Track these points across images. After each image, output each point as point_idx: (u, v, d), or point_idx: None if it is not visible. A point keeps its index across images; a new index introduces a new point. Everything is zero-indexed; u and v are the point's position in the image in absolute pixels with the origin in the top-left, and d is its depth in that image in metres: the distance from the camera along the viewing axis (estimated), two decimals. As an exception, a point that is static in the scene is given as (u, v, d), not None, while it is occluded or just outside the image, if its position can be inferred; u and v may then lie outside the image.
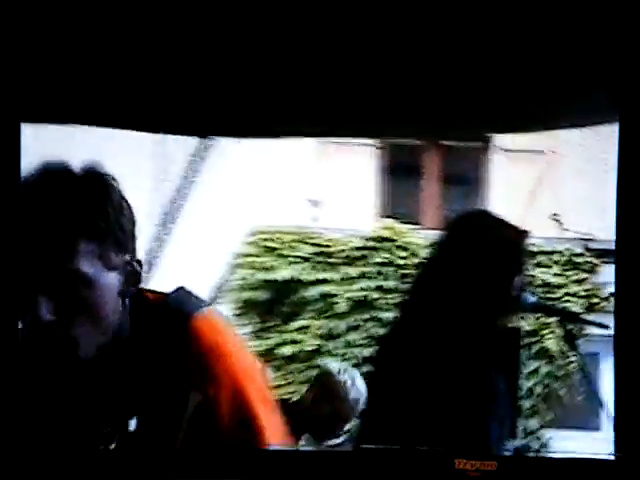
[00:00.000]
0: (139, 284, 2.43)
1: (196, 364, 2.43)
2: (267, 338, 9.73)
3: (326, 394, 5.97)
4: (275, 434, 2.52)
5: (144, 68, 3.42)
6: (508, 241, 4.29)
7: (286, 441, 2.71)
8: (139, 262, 2.43)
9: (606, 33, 2.85)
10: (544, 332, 9.10)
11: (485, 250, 4.20)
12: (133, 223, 2.44)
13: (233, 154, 9.96)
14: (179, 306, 2.52)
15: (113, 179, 2.41)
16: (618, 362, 2.28)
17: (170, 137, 4.78)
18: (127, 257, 2.38)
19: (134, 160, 11.53)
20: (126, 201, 2.43)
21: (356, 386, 5.94)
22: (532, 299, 4.72)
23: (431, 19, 3.19)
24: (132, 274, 2.40)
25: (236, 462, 2.23)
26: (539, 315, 7.15)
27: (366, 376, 5.64)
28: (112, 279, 2.36)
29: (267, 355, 9.60)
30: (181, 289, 2.64)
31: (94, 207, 2.34)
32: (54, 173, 2.32)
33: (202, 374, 2.44)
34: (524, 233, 4.38)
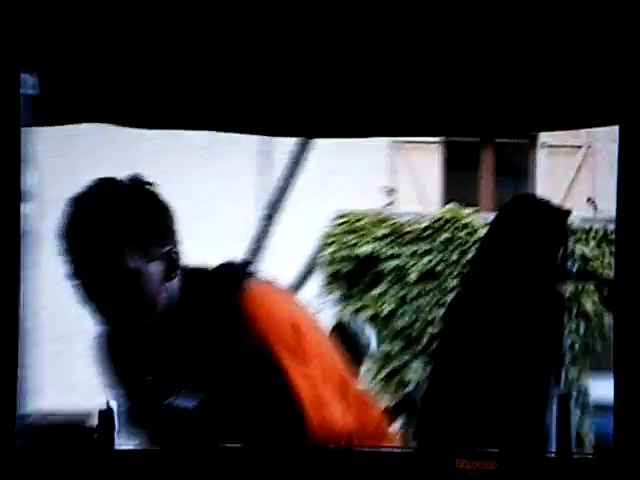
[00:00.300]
0: (177, 269, 2.42)
1: (235, 327, 2.39)
2: (350, 304, 9.68)
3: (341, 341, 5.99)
4: (304, 386, 2.41)
5: (251, 74, 3.33)
6: (554, 219, 4.32)
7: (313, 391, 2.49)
8: (176, 252, 2.43)
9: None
10: (582, 296, 8.96)
11: (535, 227, 4.25)
12: (171, 220, 2.44)
13: (324, 150, 10.00)
14: (221, 278, 2.52)
15: (150, 185, 2.42)
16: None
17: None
18: (166, 249, 2.39)
19: (242, 158, 11.64)
20: (163, 203, 2.44)
21: (366, 332, 5.96)
22: (572, 267, 4.75)
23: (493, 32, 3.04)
24: (171, 262, 2.41)
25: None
26: (579, 281, 7.14)
27: (434, 337, 5.58)
28: (153, 269, 2.37)
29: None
30: (227, 263, 2.62)
31: (137, 213, 2.35)
32: (104, 186, 2.36)
33: (241, 337, 2.38)
34: (567, 212, 4.40)
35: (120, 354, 2.52)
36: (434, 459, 1.92)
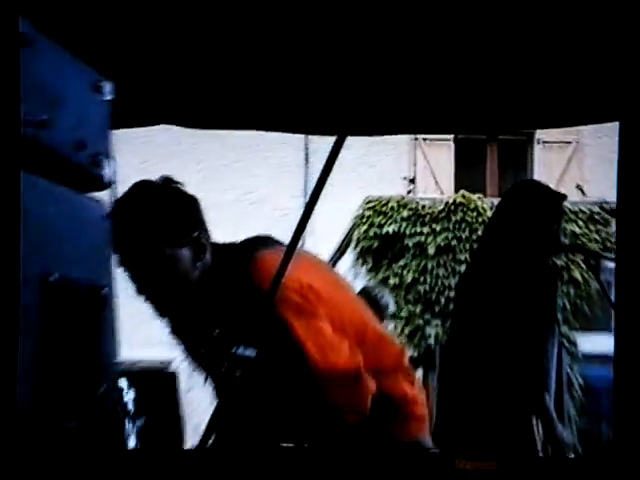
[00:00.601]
0: (205, 251, 2.44)
1: (252, 294, 2.36)
2: (379, 273, 9.68)
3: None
4: (308, 335, 2.37)
5: (298, 82, 3.28)
6: (551, 201, 4.29)
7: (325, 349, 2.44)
8: (203, 237, 2.46)
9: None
10: (572, 266, 8.95)
11: (535, 207, 4.23)
12: (197, 211, 2.48)
13: (356, 147, 10.04)
14: (239, 250, 2.52)
15: (178, 184, 2.46)
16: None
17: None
18: (194, 235, 2.41)
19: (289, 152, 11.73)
20: (190, 198, 2.47)
21: (385, 297, 6.00)
22: (565, 241, 4.71)
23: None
24: (199, 246, 2.43)
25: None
26: (569, 254, 7.11)
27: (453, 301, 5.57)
28: (184, 253, 2.40)
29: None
30: (249, 238, 2.63)
31: (167, 209, 2.40)
32: (140, 189, 2.41)
33: (258, 301, 2.34)
34: (563, 196, 4.38)
35: (176, 317, 2.56)
36: (434, 459, 1.72)
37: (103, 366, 1.63)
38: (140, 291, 2.38)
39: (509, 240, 4.21)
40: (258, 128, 3.74)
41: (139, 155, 10.68)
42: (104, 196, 1.72)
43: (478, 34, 2.82)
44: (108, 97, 1.69)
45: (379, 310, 5.84)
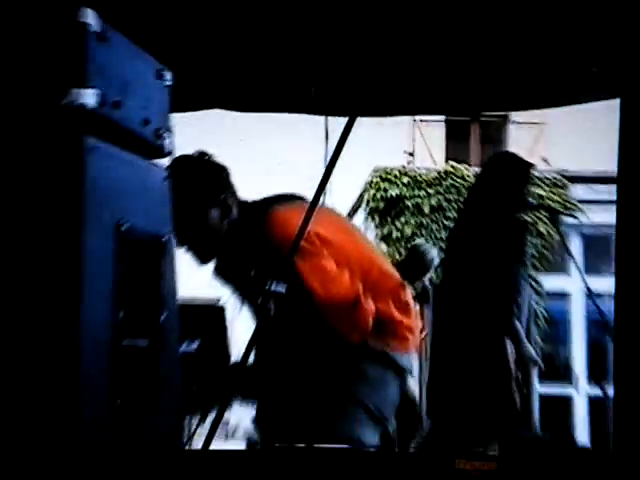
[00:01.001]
0: (231, 210, 2.43)
1: (267, 243, 2.33)
2: (384, 228, 9.60)
3: (414, 257, 5.83)
4: (311, 272, 2.31)
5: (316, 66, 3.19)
6: (521, 168, 4.25)
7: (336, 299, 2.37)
8: (229, 198, 2.43)
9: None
10: (538, 221, 8.88)
11: (510, 173, 4.17)
12: (224, 177, 2.46)
13: (367, 124, 10.01)
14: (261, 207, 2.47)
15: (209, 156, 2.44)
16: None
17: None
18: (222, 197, 2.40)
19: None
20: (218, 166, 2.46)
21: (431, 252, 5.76)
22: (532, 201, 4.66)
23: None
24: (225, 206, 2.42)
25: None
26: (536, 211, 7.04)
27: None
28: (214, 213, 2.40)
29: (385, 238, 9.51)
30: (278, 195, 2.57)
31: (200, 176, 2.40)
32: (178, 161, 2.30)
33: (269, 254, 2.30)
34: (531, 164, 4.33)
35: (216, 263, 2.55)
36: (434, 459, 1.46)
37: (164, 299, 1.63)
38: (180, 243, 2.36)
39: (488, 200, 4.18)
40: (285, 110, 3.72)
41: (193, 132, 10.62)
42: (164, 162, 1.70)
43: (468, 33, 2.74)
44: (168, 83, 1.68)
45: (426, 263, 5.60)
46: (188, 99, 3.08)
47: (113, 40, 1.47)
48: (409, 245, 6.02)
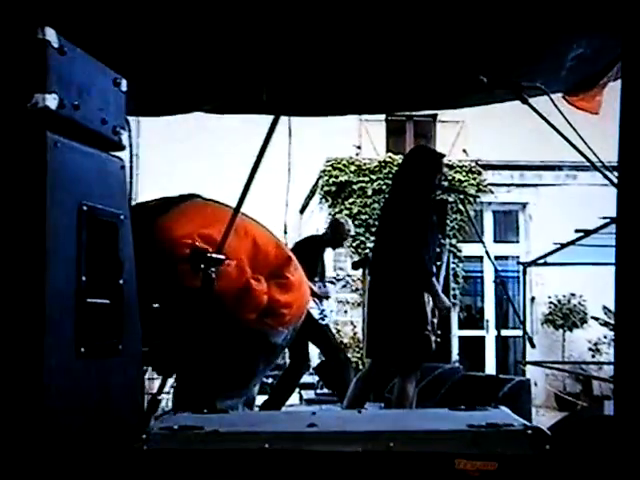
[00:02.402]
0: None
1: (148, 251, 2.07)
2: (336, 207, 9.46)
3: (335, 228, 5.75)
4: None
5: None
6: (434, 157, 4.23)
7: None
8: None
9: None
10: (458, 202, 8.89)
11: (424, 161, 4.15)
12: None
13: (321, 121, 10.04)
14: (146, 213, 2.23)
15: None
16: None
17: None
18: None
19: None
20: None
21: (348, 223, 5.76)
22: (444, 184, 4.66)
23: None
24: None
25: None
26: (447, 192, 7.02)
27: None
28: None
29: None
30: (168, 198, 2.36)
31: None
32: None
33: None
34: (442, 155, 4.32)
35: None
36: (434, 459, 1.20)
37: (123, 265, 1.60)
38: None
39: (407, 183, 4.18)
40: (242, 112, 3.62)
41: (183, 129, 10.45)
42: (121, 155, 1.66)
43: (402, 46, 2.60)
44: (124, 89, 1.64)
45: (345, 232, 5.67)
46: (175, 103, 2.97)
47: (71, 54, 1.46)
48: (334, 219, 5.99)
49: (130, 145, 1.63)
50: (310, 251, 5.46)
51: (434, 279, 4.25)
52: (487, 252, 4.24)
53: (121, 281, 1.56)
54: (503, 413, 1.33)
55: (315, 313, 5.37)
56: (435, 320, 4.21)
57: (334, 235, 5.62)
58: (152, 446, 1.14)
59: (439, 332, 4.28)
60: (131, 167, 1.64)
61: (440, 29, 2.44)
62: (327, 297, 5.56)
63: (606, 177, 1.92)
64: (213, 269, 1.90)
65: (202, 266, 1.86)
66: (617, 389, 1.19)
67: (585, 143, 2.05)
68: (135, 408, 1.52)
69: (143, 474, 1.11)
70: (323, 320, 5.48)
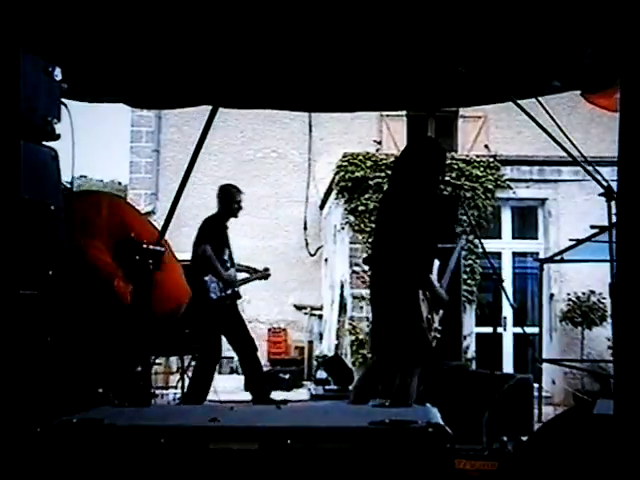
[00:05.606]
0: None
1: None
2: (352, 203, 9.35)
3: (225, 196, 5.68)
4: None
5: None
6: (441, 152, 4.21)
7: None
8: None
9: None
10: (475, 196, 8.71)
11: (430, 155, 4.12)
12: None
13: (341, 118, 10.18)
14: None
15: None
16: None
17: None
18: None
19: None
20: None
21: (238, 192, 5.68)
22: (443, 177, 4.55)
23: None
24: None
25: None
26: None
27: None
28: None
29: (352, 211, 9.33)
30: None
31: None
32: None
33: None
34: (445, 149, 4.30)
35: None
36: (434, 459, 1.17)
37: (55, 251, 1.58)
38: None
39: (406, 175, 4.14)
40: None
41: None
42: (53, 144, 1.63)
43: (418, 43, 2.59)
44: (58, 78, 1.60)
45: (234, 195, 5.59)
46: (183, 96, 2.96)
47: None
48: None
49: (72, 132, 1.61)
50: (210, 230, 5.33)
51: (432, 276, 4.20)
52: (484, 249, 4.14)
53: (50, 272, 1.54)
54: (424, 411, 1.27)
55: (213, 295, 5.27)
56: (435, 316, 4.14)
57: (224, 204, 5.48)
58: (45, 438, 1.11)
59: (439, 328, 4.21)
60: (73, 156, 1.62)
61: (442, 29, 2.45)
62: (232, 282, 5.43)
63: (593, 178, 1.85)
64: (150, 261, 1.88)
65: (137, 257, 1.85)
66: (617, 389, 1.18)
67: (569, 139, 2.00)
68: (45, 400, 1.49)
69: (33, 464, 1.09)
70: (221, 303, 5.32)
